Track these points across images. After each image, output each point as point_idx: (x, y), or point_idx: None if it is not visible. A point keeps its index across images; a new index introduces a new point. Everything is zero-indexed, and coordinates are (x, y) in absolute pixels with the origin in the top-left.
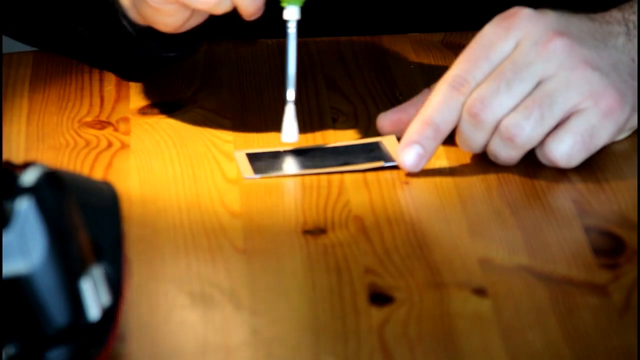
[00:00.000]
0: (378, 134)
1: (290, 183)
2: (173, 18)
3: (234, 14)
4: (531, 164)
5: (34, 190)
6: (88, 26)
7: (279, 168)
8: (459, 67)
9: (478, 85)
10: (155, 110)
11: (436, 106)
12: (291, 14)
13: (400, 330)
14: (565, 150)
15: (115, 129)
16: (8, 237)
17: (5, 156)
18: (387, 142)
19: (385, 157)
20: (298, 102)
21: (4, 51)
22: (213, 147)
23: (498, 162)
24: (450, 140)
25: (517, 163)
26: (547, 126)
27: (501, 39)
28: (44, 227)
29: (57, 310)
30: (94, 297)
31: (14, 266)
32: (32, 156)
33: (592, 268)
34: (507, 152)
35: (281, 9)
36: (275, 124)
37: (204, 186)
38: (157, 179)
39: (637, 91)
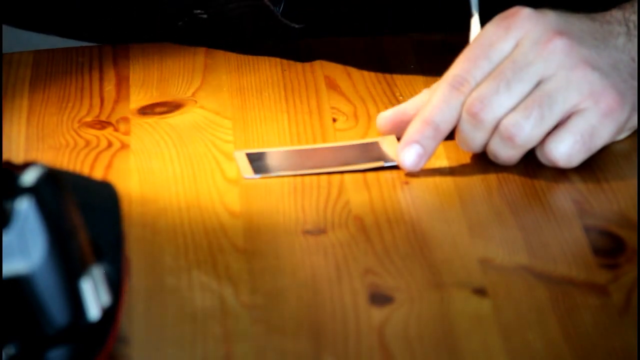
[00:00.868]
0: (378, 134)
1: (290, 183)
2: None
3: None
4: (531, 164)
5: (34, 190)
6: None
7: (279, 168)
8: (459, 66)
9: (478, 84)
10: (155, 110)
11: (436, 106)
12: None
13: (400, 330)
14: (565, 150)
15: (115, 129)
16: (8, 237)
17: (5, 156)
18: (387, 142)
19: (385, 157)
20: (298, 103)
21: (4, 51)
22: (213, 147)
23: (498, 162)
24: (450, 140)
25: (517, 163)
26: (547, 126)
27: (501, 39)
28: (44, 227)
29: (57, 310)
30: (94, 297)
31: (14, 266)
32: (32, 156)
33: (592, 268)
34: (506, 152)
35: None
36: (275, 124)
37: (204, 186)
38: (157, 179)
39: (637, 91)
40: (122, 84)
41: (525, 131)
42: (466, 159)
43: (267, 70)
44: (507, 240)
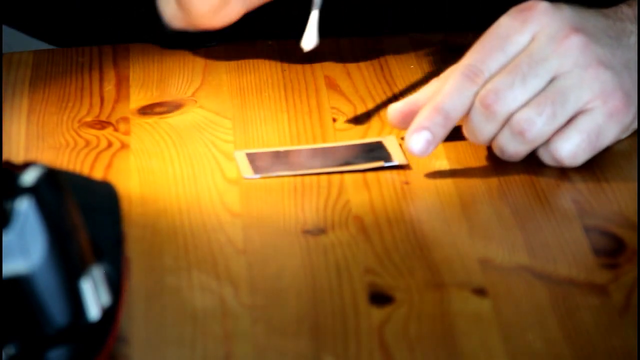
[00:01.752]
0: (378, 134)
1: (290, 183)
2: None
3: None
4: (531, 164)
5: (34, 190)
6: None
7: (279, 168)
8: (473, 56)
9: (492, 76)
10: (155, 110)
11: (448, 94)
12: None
13: (400, 330)
14: (572, 149)
15: (115, 129)
16: (8, 237)
17: (5, 156)
18: (387, 142)
19: (385, 157)
20: (298, 103)
21: (4, 51)
22: (213, 147)
23: (503, 157)
24: (450, 140)
25: (517, 163)
26: (558, 123)
27: (517, 32)
28: (44, 227)
29: (57, 310)
30: (94, 297)
31: (14, 266)
32: (32, 156)
33: (592, 268)
34: (515, 147)
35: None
36: (275, 124)
37: (204, 186)
38: (157, 179)
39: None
40: (122, 84)
41: (536, 127)
42: (466, 160)
43: (267, 70)
44: (507, 240)
